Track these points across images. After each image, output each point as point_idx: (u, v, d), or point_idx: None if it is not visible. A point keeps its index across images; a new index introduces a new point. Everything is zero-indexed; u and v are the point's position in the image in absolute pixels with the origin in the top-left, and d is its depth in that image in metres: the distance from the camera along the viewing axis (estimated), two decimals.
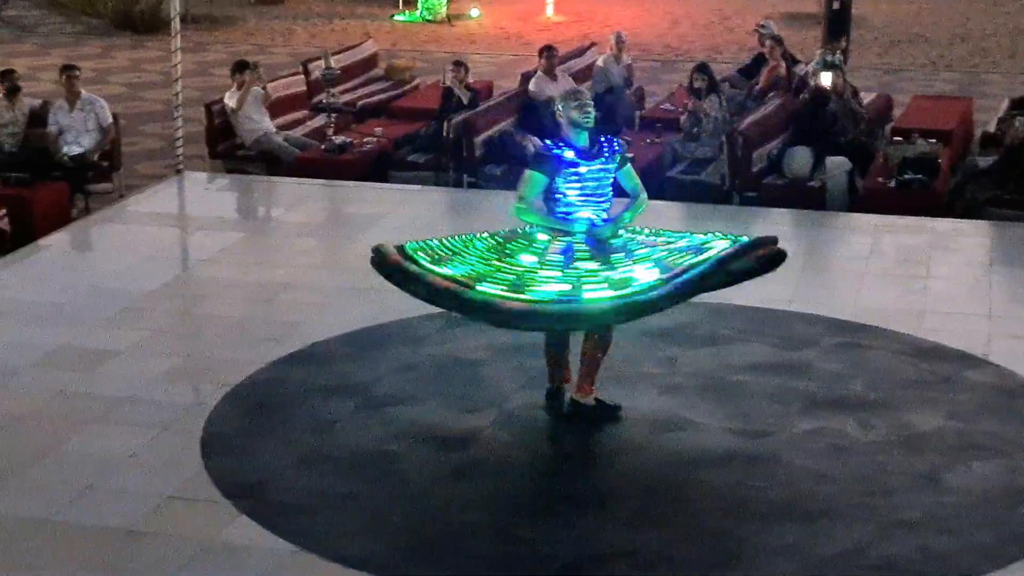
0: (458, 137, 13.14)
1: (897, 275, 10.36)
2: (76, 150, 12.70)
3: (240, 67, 13.85)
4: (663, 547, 6.43)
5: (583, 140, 7.40)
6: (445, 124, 13.34)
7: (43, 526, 6.59)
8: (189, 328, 9.43)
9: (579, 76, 15.35)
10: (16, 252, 10.87)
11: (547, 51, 14.62)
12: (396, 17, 23.92)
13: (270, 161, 13.49)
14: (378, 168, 13.42)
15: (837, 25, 18.67)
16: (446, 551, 6.41)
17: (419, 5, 23.90)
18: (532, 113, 13.89)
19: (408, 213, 11.82)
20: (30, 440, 7.50)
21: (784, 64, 15.03)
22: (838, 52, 15.14)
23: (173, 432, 7.60)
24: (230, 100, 13.60)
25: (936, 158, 12.54)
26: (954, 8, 24.68)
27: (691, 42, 21.63)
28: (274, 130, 13.73)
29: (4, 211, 11.54)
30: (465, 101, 13.86)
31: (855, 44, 18.99)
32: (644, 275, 7.02)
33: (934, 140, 12.93)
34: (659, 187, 11.94)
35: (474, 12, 24.12)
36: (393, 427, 7.66)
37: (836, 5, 19.29)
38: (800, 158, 12.64)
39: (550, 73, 14.40)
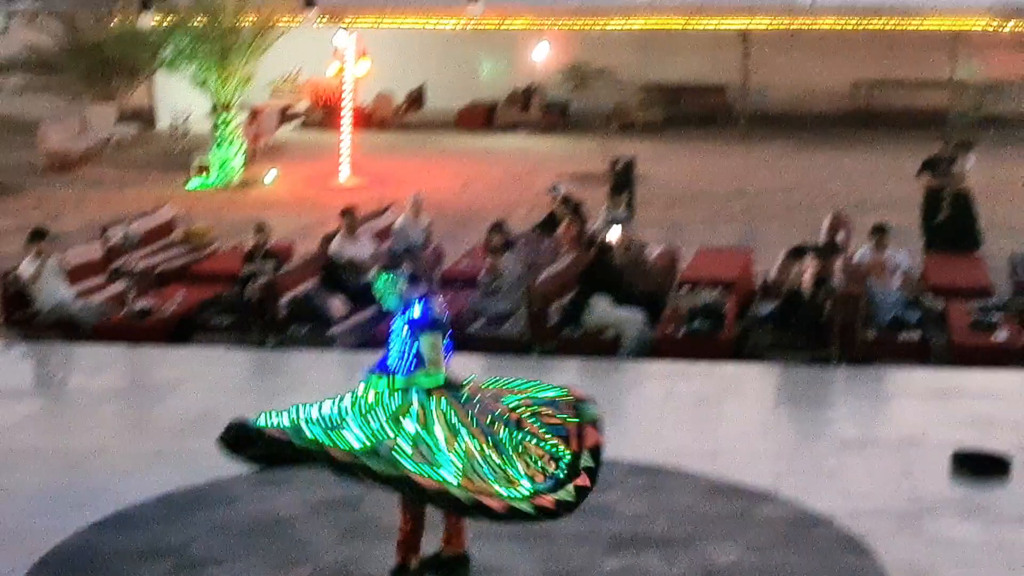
0: (262, 299, 13.30)
1: (692, 418, 10.82)
2: None
3: (36, 235, 13.81)
4: None
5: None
6: (248, 286, 13.49)
7: None
8: None
9: (379, 237, 15.69)
10: None
11: (347, 213, 14.95)
12: (190, 184, 24.00)
13: (69, 328, 13.41)
14: (181, 332, 13.46)
15: (622, 184, 19.49)
16: None
17: (214, 171, 24.04)
18: (335, 274, 14.16)
19: (213, 375, 11.88)
20: None
21: (576, 222, 15.64)
22: (622, 207, 15.85)
23: None
24: (26, 269, 13.53)
25: (722, 307, 13.19)
26: (730, 166, 25.92)
27: (484, 202, 22.22)
28: (72, 297, 13.68)
29: None
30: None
31: (640, 201, 19.79)
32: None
33: (719, 290, 13.61)
34: (461, 343, 12.21)
35: (269, 177, 24.37)
36: None
37: (620, 166, 20.17)
38: (596, 309, 13.11)
39: (351, 234, 14.71)
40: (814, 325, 12.52)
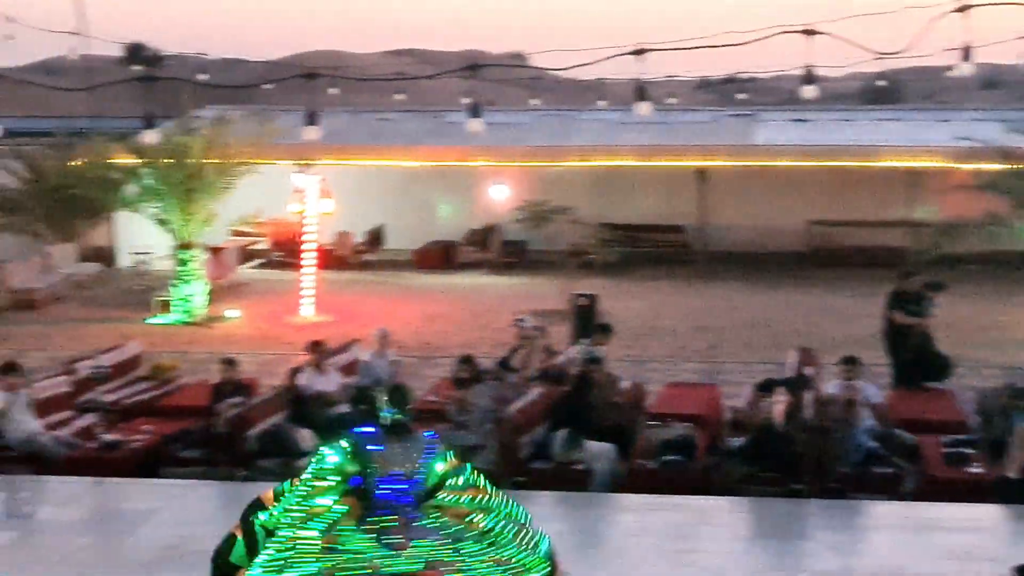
0: (230, 431, 13.29)
1: (666, 550, 10.83)
2: None
3: (5, 369, 13.79)
4: None
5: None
6: (216, 419, 13.49)
7: None
8: None
9: (344, 371, 15.75)
10: None
11: (316, 347, 15.03)
12: (151, 320, 24.03)
13: (38, 461, 13.34)
14: (149, 465, 13.41)
15: (585, 320, 19.66)
16: None
17: (176, 308, 24.10)
18: (303, 407, 14.18)
19: (182, 506, 11.81)
20: None
21: (546, 355, 15.77)
22: (599, 346, 15.98)
23: None
24: None
25: (692, 440, 13.28)
26: (690, 303, 26.22)
27: (447, 338, 22.36)
28: (41, 430, 13.62)
29: None
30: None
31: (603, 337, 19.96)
32: None
33: (688, 424, 13.71)
34: None
35: (232, 314, 24.45)
36: None
37: (583, 302, 20.38)
38: (568, 442, 13.18)
39: (319, 368, 14.77)
40: (786, 458, 12.62)
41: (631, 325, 22.80)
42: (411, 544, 6.86)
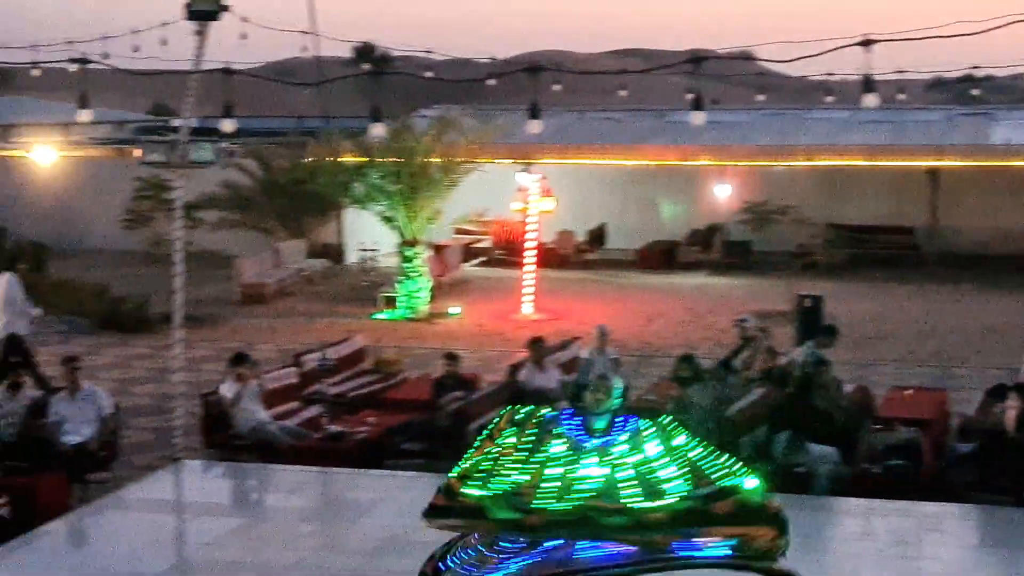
0: (452, 425, 13.44)
1: (891, 556, 10.56)
2: (76, 439, 12.90)
3: (238, 359, 14.22)
4: None
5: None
6: (439, 413, 13.66)
7: None
8: None
9: (564, 368, 15.79)
10: (17, 539, 10.92)
11: (536, 343, 15.10)
12: (377, 316, 24.51)
13: (265, 450, 13.72)
14: (372, 456, 13.65)
15: (810, 322, 19.28)
16: None
17: (400, 304, 24.53)
18: (522, 402, 14.20)
19: (405, 498, 11.96)
20: None
21: (769, 356, 15.53)
22: (824, 349, 15.66)
23: None
24: (227, 391, 13.91)
25: (918, 444, 12.90)
26: (919, 307, 25.52)
27: (666, 338, 22.23)
28: (270, 420, 14.01)
29: (5, 499, 11.67)
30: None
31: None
32: None
33: (914, 428, 13.33)
34: None
35: (454, 310, 24.76)
36: None
37: (808, 303, 20.00)
38: (790, 444, 12.96)
39: (539, 364, 14.83)
40: (1018, 466, 12.16)
41: (857, 328, 22.31)
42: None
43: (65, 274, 26.63)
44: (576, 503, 7.00)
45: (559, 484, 7.09)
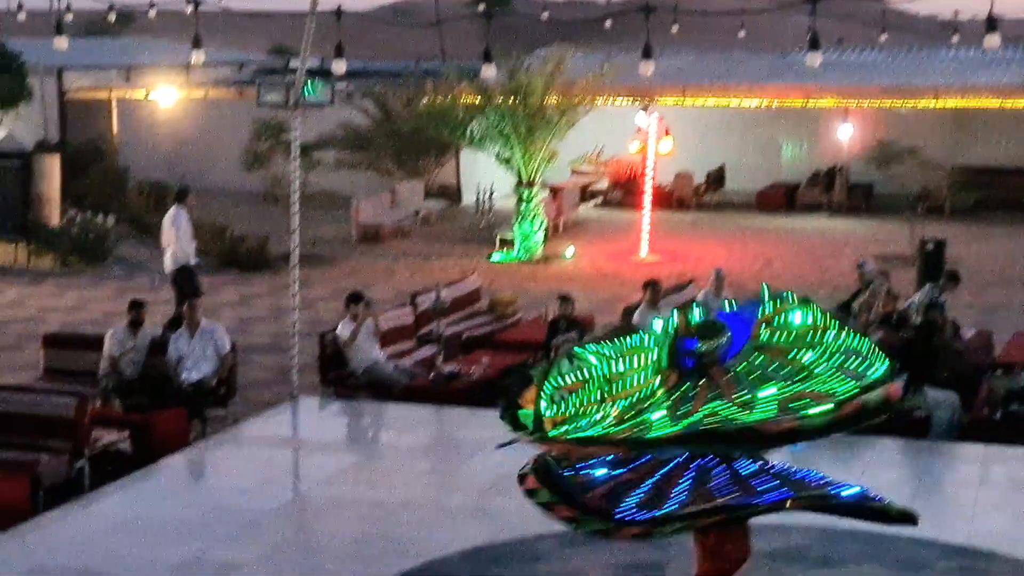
0: None
1: (1009, 502, 10.39)
2: (195, 376, 13.13)
3: (354, 299, 14.34)
4: None
5: None
6: (552, 354, 13.65)
7: None
8: (310, 545, 9.64)
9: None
10: (139, 472, 11.17)
11: (652, 285, 15.01)
12: (493, 257, 24.57)
13: (380, 389, 13.86)
14: (485, 396, 13.70)
15: (933, 266, 18.95)
16: None
17: (516, 245, 24.56)
18: None
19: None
20: None
21: (889, 300, 15.30)
22: (945, 293, 15.38)
23: None
24: (343, 331, 14.05)
25: None
26: None
27: (785, 281, 21.96)
28: (385, 359, 14.13)
29: (127, 433, 11.94)
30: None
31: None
32: None
33: None
34: None
35: (569, 252, 24.74)
36: None
37: (931, 247, 19.65)
38: (908, 389, 12.76)
39: (654, 306, 14.75)
40: None
41: (981, 273, 21.89)
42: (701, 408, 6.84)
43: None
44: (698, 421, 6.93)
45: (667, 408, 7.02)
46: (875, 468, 10.76)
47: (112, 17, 54.84)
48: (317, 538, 9.74)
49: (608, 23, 34.45)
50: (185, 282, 17.36)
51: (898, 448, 11.88)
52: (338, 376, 14.14)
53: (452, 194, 31.56)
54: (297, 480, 11.53)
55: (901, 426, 12.40)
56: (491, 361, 14.62)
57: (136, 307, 13.72)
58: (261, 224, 25.64)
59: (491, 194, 28.90)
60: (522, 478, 7.27)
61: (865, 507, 7.04)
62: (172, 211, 17.63)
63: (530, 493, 7.18)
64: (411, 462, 11.50)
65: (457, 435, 12.73)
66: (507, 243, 24.95)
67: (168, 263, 17.70)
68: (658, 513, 6.79)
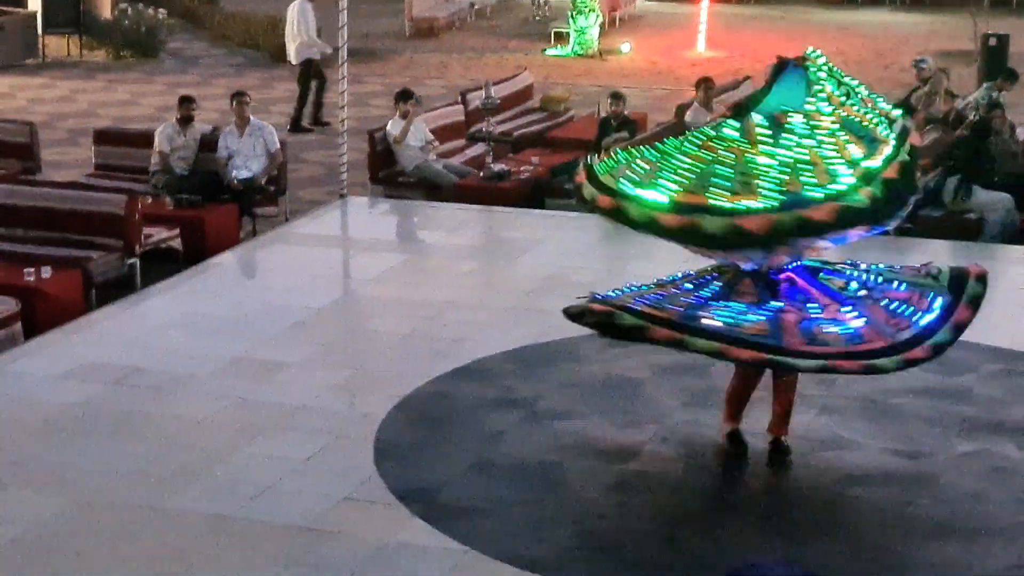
0: None
1: None
2: (245, 174, 13.17)
3: (403, 96, 14.25)
4: (824, 559, 6.58)
5: None
6: (602, 153, 13.55)
7: (227, 522, 6.94)
8: (357, 343, 9.77)
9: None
10: (189, 270, 11.31)
11: (704, 83, 14.79)
12: (548, 52, 24.26)
13: (429, 187, 13.87)
14: (534, 196, 13.71)
15: (995, 62, 18.54)
16: (611, 556, 6.63)
17: (571, 40, 24.22)
18: None
19: (565, 238, 12.07)
20: (212, 443, 7.88)
21: (948, 98, 15.02)
22: (1002, 92, 15.07)
23: (346, 439, 7.92)
24: (393, 129, 14.00)
25: None
26: None
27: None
28: (434, 157, 14.10)
29: (177, 231, 12.05)
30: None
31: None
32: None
33: None
34: None
35: (625, 47, 24.37)
36: (557, 439, 7.89)
37: (993, 42, 19.19)
38: (959, 190, 12.63)
39: (706, 105, 14.55)
40: None
41: None
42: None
43: (238, 6, 26.80)
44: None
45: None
46: None
47: None
48: (364, 338, 9.85)
49: None
50: (314, 76, 18.10)
51: (949, 249, 11.80)
52: (387, 174, 14.16)
53: None
54: (345, 279, 11.65)
55: (954, 228, 12.34)
56: (541, 160, 14.56)
57: (186, 103, 13.71)
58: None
59: None
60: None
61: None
62: (298, 3, 17.97)
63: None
64: (458, 262, 11.55)
65: (505, 235, 12.74)
66: (562, 38, 24.61)
67: (293, 56, 18.40)
68: (691, 313, 6.86)
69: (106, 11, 23.93)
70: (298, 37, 18.21)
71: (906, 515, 7.02)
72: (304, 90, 18.24)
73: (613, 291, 7.41)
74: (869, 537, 6.82)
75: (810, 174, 6.89)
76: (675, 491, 7.36)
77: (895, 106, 15.37)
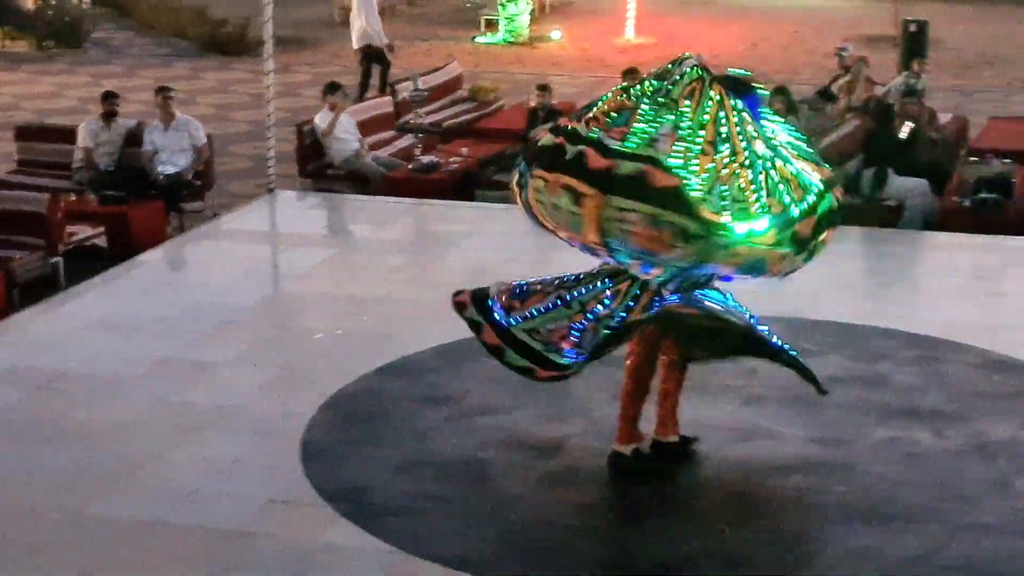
0: None
1: (973, 291, 10.55)
2: (171, 169, 13.16)
3: (331, 88, 14.28)
4: (746, 549, 6.71)
5: None
6: (531, 144, 13.64)
7: (153, 527, 6.95)
8: (286, 341, 9.79)
9: None
10: (115, 268, 11.25)
11: (630, 73, 14.89)
12: (478, 39, 24.32)
13: (359, 180, 13.91)
14: (464, 187, 13.78)
15: (915, 47, 18.78)
16: (541, 551, 6.73)
17: (502, 28, 24.28)
18: None
19: (495, 231, 12.13)
20: (138, 446, 7.87)
21: (869, 85, 15.25)
22: (922, 76, 15.29)
23: (273, 439, 7.96)
24: (321, 121, 14.02)
25: (1010, 178, 12.70)
26: None
27: (770, 64, 21.83)
28: (370, 157, 14.12)
29: (102, 228, 12.03)
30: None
31: (931, 65, 19.10)
32: None
33: (1009, 160, 13.09)
34: None
35: (555, 34, 24.47)
36: (485, 435, 7.97)
37: (913, 28, 19.44)
38: (875, 178, 12.84)
39: None
40: None
41: (963, 53, 21.72)
42: None
43: None
44: None
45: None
46: (844, 258, 10.85)
47: None
48: (292, 336, 9.88)
49: None
50: (375, 60, 18.28)
51: (868, 236, 11.99)
52: (316, 168, 14.17)
53: None
54: (274, 275, 11.66)
55: (872, 215, 12.53)
56: (470, 151, 14.63)
57: (110, 98, 13.66)
58: (243, 5, 25.24)
59: None
60: (457, 295, 7.46)
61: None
62: None
63: (458, 308, 7.40)
64: (387, 256, 11.59)
65: (434, 228, 12.81)
66: (492, 25, 24.66)
67: (355, 40, 18.49)
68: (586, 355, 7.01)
69: (29, 0, 23.71)
70: (358, 20, 18.35)
71: (824, 502, 7.17)
72: (365, 75, 18.31)
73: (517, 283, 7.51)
74: (788, 525, 6.98)
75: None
76: (601, 485, 7.47)
77: (819, 93, 15.74)
